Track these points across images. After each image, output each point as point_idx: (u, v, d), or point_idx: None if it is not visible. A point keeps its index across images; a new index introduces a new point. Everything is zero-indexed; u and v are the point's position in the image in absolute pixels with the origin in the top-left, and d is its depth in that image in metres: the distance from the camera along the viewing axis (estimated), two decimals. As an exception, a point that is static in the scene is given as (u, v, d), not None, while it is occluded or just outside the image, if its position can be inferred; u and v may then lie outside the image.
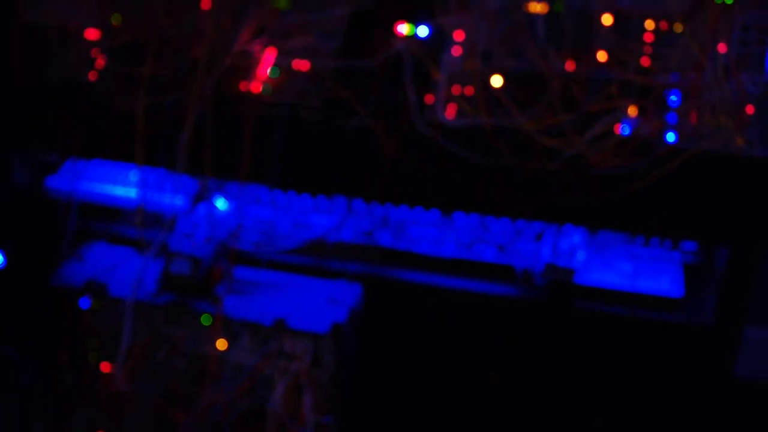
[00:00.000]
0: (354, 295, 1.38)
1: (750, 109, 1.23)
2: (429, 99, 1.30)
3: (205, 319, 1.36)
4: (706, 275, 1.39)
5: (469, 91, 1.28)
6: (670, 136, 1.26)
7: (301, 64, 1.33)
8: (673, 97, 1.26)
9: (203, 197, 1.45)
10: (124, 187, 1.51)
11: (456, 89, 1.29)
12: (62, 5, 1.41)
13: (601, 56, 1.25)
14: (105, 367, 1.40)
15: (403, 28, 1.30)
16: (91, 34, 1.39)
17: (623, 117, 1.25)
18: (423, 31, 1.31)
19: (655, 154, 1.24)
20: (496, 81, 1.25)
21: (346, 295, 1.38)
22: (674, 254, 1.44)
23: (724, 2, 1.21)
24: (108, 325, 1.37)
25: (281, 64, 1.32)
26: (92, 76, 1.39)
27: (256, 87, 1.33)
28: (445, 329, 1.44)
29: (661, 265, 1.42)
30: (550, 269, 1.37)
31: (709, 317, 1.35)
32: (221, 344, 1.36)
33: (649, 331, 1.37)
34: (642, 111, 1.25)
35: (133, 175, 1.49)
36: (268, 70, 1.33)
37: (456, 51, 1.29)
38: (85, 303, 1.39)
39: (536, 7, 1.28)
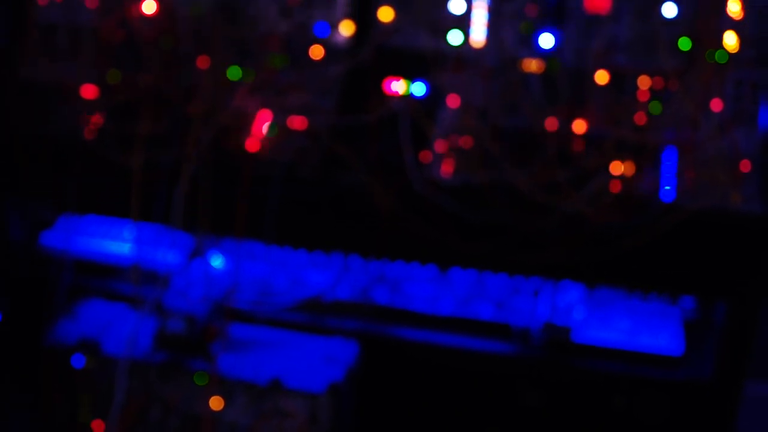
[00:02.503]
0: (350, 352, 1.40)
1: (745, 165, 1.26)
2: (425, 156, 1.34)
3: (200, 378, 1.38)
4: (705, 331, 1.41)
5: (465, 148, 1.31)
6: (666, 193, 1.29)
7: (298, 122, 1.36)
8: (668, 154, 1.29)
9: (199, 254, 1.47)
10: (119, 243, 1.53)
11: (452, 146, 1.32)
12: (60, 63, 1.45)
13: (597, 113, 1.29)
14: (98, 426, 1.40)
15: (399, 86, 1.34)
16: (88, 91, 1.42)
17: (622, 174, 1.28)
18: (419, 88, 1.34)
19: (651, 211, 1.26)
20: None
21: (343, 353, 1.39)
22: (673, 309, 1.45)
23: (716, 61, 1.24)
24: (101, 384, 1.38)
25: (278, 122, 1.36)
26: (89, 132, 1.42)
27: (252, 144, 1.36)
28: (442, 387, 1.45)
29: (660, 321, 1.43)
30: (547, 328, 1.39)
31: (710, 374, 1.36)
32: (216, 403, 1.37)
33: (649, 389, 1.38)
34: (638, 168, 1.28)
35: (129, 232, 1.51)
36: (265, 128, 1.37)
37: (452, 108, 1.32)
38: (78, 361, 1.40)
39: (531, 65, 1.32)
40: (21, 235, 1.54)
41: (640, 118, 1.28)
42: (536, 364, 1.40)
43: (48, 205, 1.53)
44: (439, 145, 1.31)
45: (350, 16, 1.37)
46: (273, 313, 1.45)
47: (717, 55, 1.26)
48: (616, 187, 1.28)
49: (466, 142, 1.31)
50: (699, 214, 1.27)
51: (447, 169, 1.32)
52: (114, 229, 1.54)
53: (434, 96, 1.33)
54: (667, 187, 1.29)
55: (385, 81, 1.33)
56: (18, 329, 1.49)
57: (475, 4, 1.33)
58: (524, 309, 1.43)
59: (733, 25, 1.26)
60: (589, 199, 1.27)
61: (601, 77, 1.29)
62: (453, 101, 1.32)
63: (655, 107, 1.28)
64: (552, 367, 1.39)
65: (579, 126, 1.29)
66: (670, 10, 1.28)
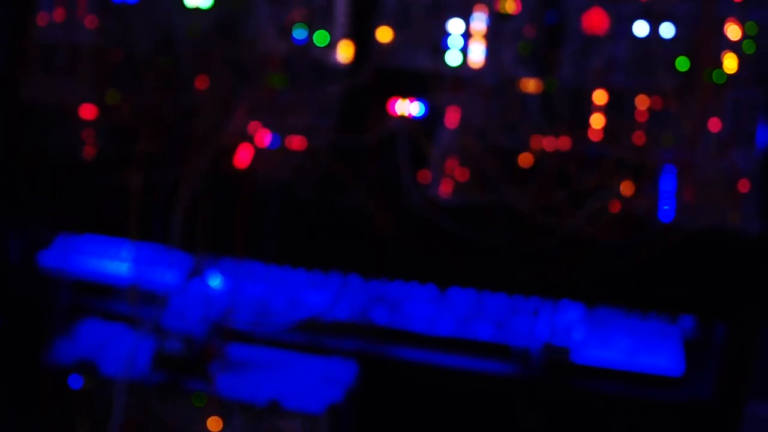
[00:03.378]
0: (349, 373, 1.40)
1: (743, 185, 1.27)
2: (424, 175, 1.35)
3: (198, 399, 1.38)
4: (705, 351, 1.42)
5: (464, 167, 1.32)
6: (665, 212, 1.30)
7: (297, 142, 1.37)
8: (667, 174, 1.30)
9: (197, 274, 1.48)
10: (117, 263, 1.53)
11: (450, 166, 1.33)
12: (59, 83, 1.46)
13: (595, 133, 1.30)
14: (95, 447, 1.41)
15: (398, 106, 1.35)
16: (87, 111, 1.44)
17: (618, 193, 1.29)
18: (418, 108, 1.35)
19: (650, 231, 1.27)
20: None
21: (342, 374, 1.39)
22: (673, 329, 1.46)
23: (714, 81, 1.26)
24: (99, 405, 1.39)
25: (276, 142, 1.37)
26: (87, 152, 1.43)
27: (251, 164, 1.37)
28: (441, 407, 1.45)
29: (660, 341, 1.44)
30: (546, 348, 1.39)
31: (710, 394, 1.37)
32: (214, 424, 1.38)
33: (649, 410, 1.38)
34: (636, 187, 1.29)
35: (127, 251, 1.52)
36: (264, 148, 1.38)
37: (450, 128, 1.33)
38: (76, 382, 1.41)
39: (530, 85, 1.33)
40: (19, 254, 1.55)
41: (638, 138, 1.30)
42: (535, 385, 1.40)
43: (46, 225, 1.54)
44: (438, 165, 1.33)
45: (349, 36, 1.39)
46: (271, 334, 1.46)
47: (715, 74, 1.27)
48: (615, 207, 1.29)
49: (464, 161, 1.32)
50: (698, 233, 1.28)
51: (446, 188, 1.33)
52: (112, 248, 1.55)
53: (433, 116, 1.34)
54: (666, 207, 1.30)
55: (389, 101, 1.35)
56: (16, 349, 1.50)
57: (473, 24, 1.34)
58: (523, 329, 1.44)
59: (731, 44, 1.27)
60: (588, 219, 1.28)
61: (600, 97, 1.31)
62: (452, 121, 1.34)
63: (654, 126, 1.29)
64: (551, 388, 1.40)
65: (577, 145, 1.30)
66: (668, 30, 1.29)
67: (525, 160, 1.31)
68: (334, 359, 1.43)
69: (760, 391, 1.46)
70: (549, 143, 1.30)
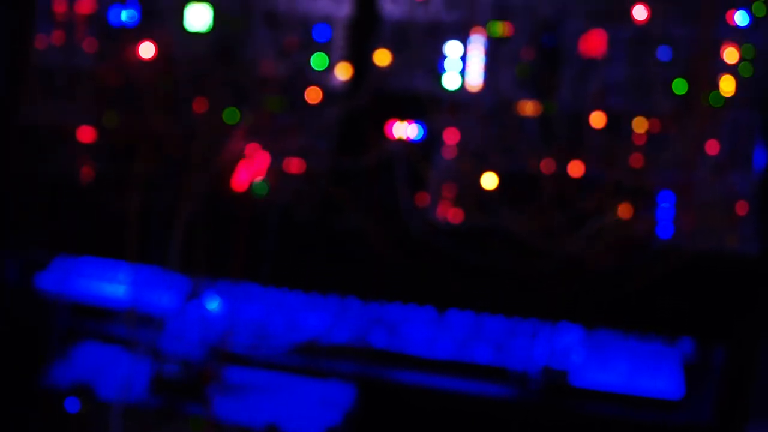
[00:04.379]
0: (348, 396, 1.41)
1: (741, 207, 1.28)
2: (422, 198, 1.36)
3: (196, 423, 1.38)
4: (705, 373, 1.42)
5: (462, 190, 1.34)
6: (663, 235, 1.31)
7: (295, 165, 1.39)
8: (664, 196, 1.32)
9: (195, 296, 1.49)
10: (114, 286, 1.54)
11: (448, 189, 1.35)
12: (56, 105, 1.47)
13: (593, 156, 1.31)
14: (92, 471, 1.41)
15: (396, 129, 1.37)
16: (85, 133, 1.45)
17: (617, 216, 1.30)
18: (416, 131, 1.37)
19: (648, 253, 1.29)
20: (488, 181, 1.30)
21: (340, 397, 1.40)
22: (672, 351, 1.47)
23: (711, 103, 1.27)
24: (96, 428, 1.39)
25: (275, 165, 1.38)
26: (85, 174, 1.44)
27: (249, 187, 1.38)
28: (439, 431, 1.46)
29: (659, 364, 1.45)
30: (544, 372, 1.40)
31: (710, 417, 1.37)
32: (212, 448, 1.38)
33: (649, 433, 1.39)
34: (634, 210, 1.31)
35: (124, 274, 1.53)
36: (262, 171, 1.39)
37: (448, 151, 1.35)
38: (72, 405, 1.41)
39: (528, 108, 1.35)
40: (16, 276, 1.55)
41: (636, 161, 1.31)
42: (534, 409, 1.41)
43: (43, 247, 1.55)
44: (436, 188, 1.34)
45: (347, 58, 1.40)
46: (269, 357, 1.47)
47: (712, 97, 1.28)
48: (613, 230, 1.31)
49: (462, 184, 1.34)
50: (696, 256, 1.29)
51: (444, 211, 1.34)
52: (110, 271, 1.55)
53: (431, 138, 1.36)
54: (664, 230, 1.31)
55: (387, 124, 1.36)
56: (12, 372, 1.50)
57: (471, 47, 1.36)
58: (522, 351, 1.45)
59: (728, 67, 1.29)
60: (586, 242, 1.29)
61: (598, 120, 1.32)
62: (450, 144, 1.35)
63: (652, 149, 1.30)
64: (550, 412, 1.40)
65: (575, 168, 1.31)
66: (665, 53, 1.31)
67: (523, 182, 1.32)
68: (332, 382, 1.43)
69: (760, 413, 1.47)
70: (547, 166, 1.32)
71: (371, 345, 1.47)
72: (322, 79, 1.39)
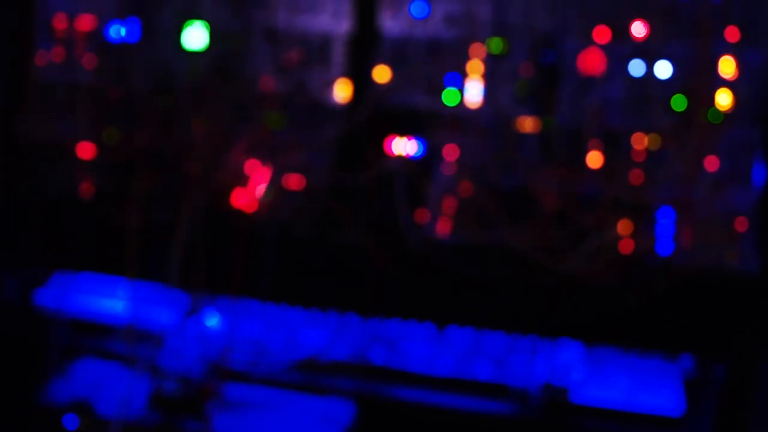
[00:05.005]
0: (347, 413, 1.41)
1: (740, 224, 1.29)
2: (421, 214, 1.37)
3: (195, 440, 1.39)
4: (705, 390, 1.42)
5: (461, 206, 1.34)
6: (663, 251, 1.32)
7: (294, 181, 1.39)
8: (664, 213, 1.32)
9: (194, 312, 1.49)
10: (113, 302, 1.54)
11: (448, 205, 1.35)
12: (56, 122, 1.48)
13: (592, 172, 1.32)
14: (90, 489, 1.41)
15: (396, 145, 1.37)
16: (85, 149, 1.46)
17: (616, 233, 1.31)
18: (415, 147, 1.38)
19: (647, 269, 1.29)
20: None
21: (340, 414, 1.40)
22: (673, 368, 1.47)
23: (710, 120, 1.28)
24: (94, 445, 1.40)
25: (274, 181, 1.39)
26: (85, 190, 1.45)
27: (249, 203, 1.39)
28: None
29: (660, 380, 1.45)
30: (545, 388, 1.40)
31: (710, 433, 1.38)
32: (211, 465, 1.38)
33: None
34: (634, 226, 1.31)
35: (123, 290, 1.53)
36: (262, 187, 1.40)
37: (448, 167, 1.36)
38: (71, 422, 1.41)
39: (527, 124, 1.35)
40: (15, 292, 1.56)
41: (635, 177, 1.32)
42: (534, 426, 1.41)
43: (42, 263, 1.55)
44: (436, 204, 1.35)
45: (347, 75, 1.41)
46: (269, 374, 1.47)
47: (711, 113, 1.29)
48: (612, 246, 1.31)
49: (462, 200, 1.34)
50: (696, 272, 1.29)
51: (443, 227, 1.35)
52: (109, 287, 1.56)
53: (431, 155, 1.36)
54: (663, 246, 1.32)
55: (387, 140, 1.37)
56: (10, 388, 1.50)
57: (470, 64, 1.37)
58: (522, 368, 1.45)
59: (726, 84, 1.29)
60: (586, 258, 1.30)
61: (597, 137, 1.33)
62: (449, 160, 1.36)
63: (651, 165, 1.31)
64: (550, 429, 1.41)
65: (574, 185, 1.32)
66: (664, 70, 1.32)
67: (522, 198, 1.33)
68: (332, 399, 1.44)
69: (760, 429, 1.47)
70: (546, 182, 1.32)
71: (371, 361, 1.48)
72: (322, 95, 1.40)
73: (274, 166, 1.38)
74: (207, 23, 1.43)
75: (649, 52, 1.30)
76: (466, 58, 1.35)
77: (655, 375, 1.46)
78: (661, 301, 1.30)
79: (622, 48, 1.31)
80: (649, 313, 1.31)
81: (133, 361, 1.39)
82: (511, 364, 1.46)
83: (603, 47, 1.32)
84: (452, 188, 1.34)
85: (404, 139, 1.37)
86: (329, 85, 1.40)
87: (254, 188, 1.39)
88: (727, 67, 1.28)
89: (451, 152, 1.35)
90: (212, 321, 1.48)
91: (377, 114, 1.37)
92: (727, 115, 1.29)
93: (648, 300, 1.29)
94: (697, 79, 1.29)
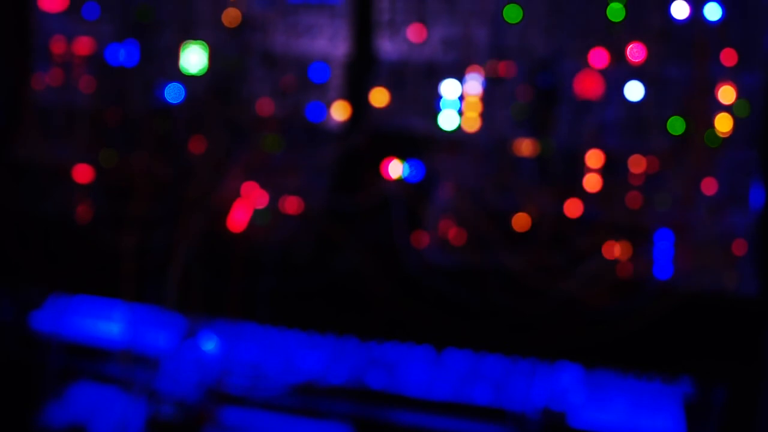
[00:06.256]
0: (345, 437, 1.42)
1: (739, 247, 1.30)
2: (419, 237, 1.38)
3: (192, 464, 1.39)
4: (706, 413, 1.43)
5: (459, 229, 1.35)
6: (661, 274, 1.32)
7: (292, 204, 1.41)
8: (662, 236, 1.33)
9: (191, 336, 1.50)
10: (110, 325, 1.55)
11: (445, 228, 1.36)
12: (54, 145, 1.49)
13: (590, 195, 1.33)
14: None
15: (393, 168, 1.39)
16: (82, 172, 1.47)
17: (613, 255, 1.32)
18: (413, 170, 1.39)
19: (646, 293, 1.30)
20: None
21: (337, 438, 1.41)
22: (673, 390, 1.47)
23: (708, 142, 1.29)
24: (90, 470, 1.40)
25: (271, 204, 1.40)
26: (81, 213, 1.46)
27: (246, 226, 1.40)
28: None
29: (660, 403, 1.45)
30: (543, 413, 1.41)
31: (711, 458, 1.38)
32: (207, 490, 1.39)
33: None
34: (632, 249, 1.32)
35: (120, 313, 1.54)
36: (258, 209, 1.41)
37: (445, 190, 1.37)
38: (67, 447, 1.42)
39: (524, 147, 1.37)
40: (11, 315, 1.57)
41: (633, 200, 1.33)
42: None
43: (39, 286, 1.56)
44: (433, 227, 1.36)
45: (344, 98, 1.43)
46: (266, 398, 1.47)
47: (708, 136, 1.30)
48: (610, 269, 1.32)
49: (459, 223, 1.35)
50: (694, 295, 1.30)
51: (441, 251, 1.36)
52: (105, 310, 1.57)
53: (428, 178, 1.38)
54: (661, 269, 1.32)
55: (384, 163, 1.38)
56: (6, 412, 1.51)
57: (468, 87, 1.38)
58: (520, 392, 1.46)
59: (724, 107, 1.31)
60: (584, 281, 1.31)
61: (594, 159, 1.34)
62: (446, 183, 1.37)
63: (649, 188, 1.32)
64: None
65: (572, 208, 1.33)
66: (661, 93, 1.33)
67: (520, 222, 1.34)
68: (329, 423, 1.44)
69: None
70: (544, 205, 1.33)
71: (369, 385, 1.48)
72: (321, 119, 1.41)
73: (272, 188, 1.39)
74: (205, 46, 1.44)
75: (646, 74, 1.32)
76: (464, 81, 1.37)
77: (655, 398, 1.47)
78: (659, 323, 1.30)
79: (619, 71, 1.33)
80: (648, 336, 1.32)
81: (130, 384, 1.40)
82: (510, 387, 1.47)
83: (600, 70, 1.33)
84: (450, 211, 1.35)
85: (402, 162, 1.38)
86: (327, 108, 1.41)
87: (251, 211, 1.40)
88: (726, 94, 1.29)
89: (448, 175, 1.36)
90: (209, 344, 1.49)
91: (375, 137, 1.38)
92: (725, 138, 1.30)
93: (647, 323, 1.30)
94: (695, 101, 1.30)
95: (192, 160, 1.41)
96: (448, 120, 1.36)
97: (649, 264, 1.32)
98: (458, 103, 1.37)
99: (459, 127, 1.37)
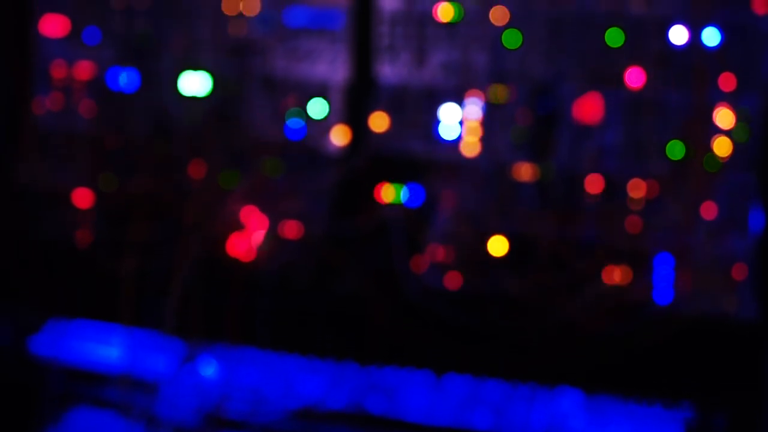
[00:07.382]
0: (344, 462, 1.42)
1: (739, 271, 1.31)
2: (419, 262, 1.38)
3: (190, 490, 1.39)
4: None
5: (458, 254, 1.36)
6: (661, 298, 1.33)
7: (292, 228, 1.42)
8: (661, 260, 1.34)
9: (190, 360, 1.50)
10: (109, 349, 1.56)
11: (445, 252, 1.37)
12: (54, 169, 1.50)
13: (589, 219, 1.34)
14: None
15: (393, 193, 1.40)
16: (82, 197, 1.48)
17: (613, 280, 1.33)
18: (412, 195, 1.40)
19: (645, 317, 1.31)
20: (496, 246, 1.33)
21: (337, 463, 1.41)
22: (674, 415, 1.47)
23: (707, 166, 1.30)
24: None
25: (271, 228, 1.41)
26: (81, 237, 1.47)
27: (246, 250, 1.41)
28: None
29: (660, 427, 1.45)
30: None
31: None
32: None
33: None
34: (632, 273, 1.33)
35: (119, 338, 1.55)
36: (259, 234, 1.42)
37: (445, 215, 1.38)
38: (64, 473, 1.42)
39: (524, 171, 1.38)
40: (9, 339, 1.57)
41: (632, 224, 1.34)
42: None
43: (37, 310, 1.56)
44: (433, 252, 1.37)
45: (344, 122, 1.44)
46: (266, 423, 1.48)
47: (708, 160, 1.32)
48: (610, 293, 1.33)
49: (459, 248, 1.36)
50: (694, 320, 1.31)
51: (441, 275, 1.37)
52: (104, 334, 1.57)
53: (428, 202, 1.39)
54: (661, 293, 1.33)
55: (384, 187, 1.39)
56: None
57: (467, 111, 1.40)
58: (520, 417, 1.46)
59: (723, 131, 1.32)
60: (584, 306, 1.31)
61: (594, 184, 1.35)
62: (446, 207, 1.38)
63: (648, 212, 1.33)
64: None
65: (572, 232, 1.34)
66: (661, 116, 1.34)
67: (520, 245, 1.35)
68: (329, 448, 1.44)
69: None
70: (543, 229, 1.34)
71: (368, 410, 1.49)
72: (320, 142, 1.43)
73: (272, 213, 1.40)
74: (206, 70, 1.46)
75: (646, 99, 1.33)
76: (463, 105, 1.38)
77: (656, 423, 1.47)
78: (660, 348, 1.31)
79: (619, 95, 1.34)
80: (649, 361, 1.33)
81: (129, 409, 1.40)
82: (510, 412, 1.47)
83: (600, 95, 1.34)
84: (450, 235, 1.36)
85: (401, 187, 1.39)
86: (327, 132, 1.43)
87: (251, 235, 1.41)
88: (724, 118, 1.30)
89: (448, 199, 1.37)
90: (209, 369, 1.49)
91: (375, 161, 1.39)
92: (724, 162, 1.32)
93: (647, 347, 1.30)
94: (694, 125, 1.31)
95: (192, 185, 1.42)
96: (448, 132, 1.37)
97: (649, 288, 1.33)
98: (459, 126, 1.39)
99: (459, 151, 1.38)
